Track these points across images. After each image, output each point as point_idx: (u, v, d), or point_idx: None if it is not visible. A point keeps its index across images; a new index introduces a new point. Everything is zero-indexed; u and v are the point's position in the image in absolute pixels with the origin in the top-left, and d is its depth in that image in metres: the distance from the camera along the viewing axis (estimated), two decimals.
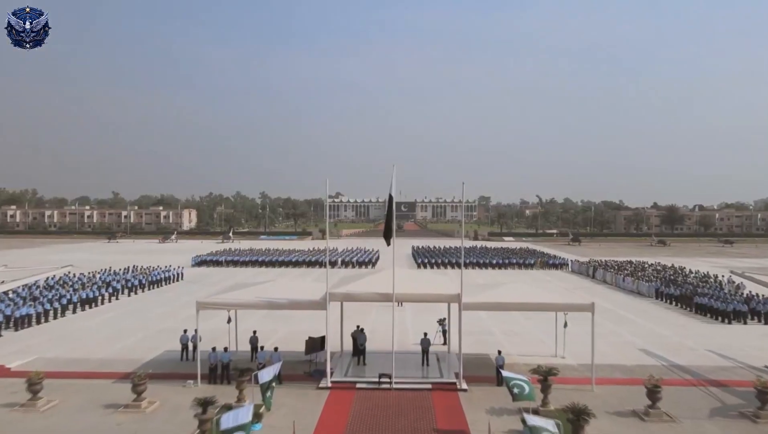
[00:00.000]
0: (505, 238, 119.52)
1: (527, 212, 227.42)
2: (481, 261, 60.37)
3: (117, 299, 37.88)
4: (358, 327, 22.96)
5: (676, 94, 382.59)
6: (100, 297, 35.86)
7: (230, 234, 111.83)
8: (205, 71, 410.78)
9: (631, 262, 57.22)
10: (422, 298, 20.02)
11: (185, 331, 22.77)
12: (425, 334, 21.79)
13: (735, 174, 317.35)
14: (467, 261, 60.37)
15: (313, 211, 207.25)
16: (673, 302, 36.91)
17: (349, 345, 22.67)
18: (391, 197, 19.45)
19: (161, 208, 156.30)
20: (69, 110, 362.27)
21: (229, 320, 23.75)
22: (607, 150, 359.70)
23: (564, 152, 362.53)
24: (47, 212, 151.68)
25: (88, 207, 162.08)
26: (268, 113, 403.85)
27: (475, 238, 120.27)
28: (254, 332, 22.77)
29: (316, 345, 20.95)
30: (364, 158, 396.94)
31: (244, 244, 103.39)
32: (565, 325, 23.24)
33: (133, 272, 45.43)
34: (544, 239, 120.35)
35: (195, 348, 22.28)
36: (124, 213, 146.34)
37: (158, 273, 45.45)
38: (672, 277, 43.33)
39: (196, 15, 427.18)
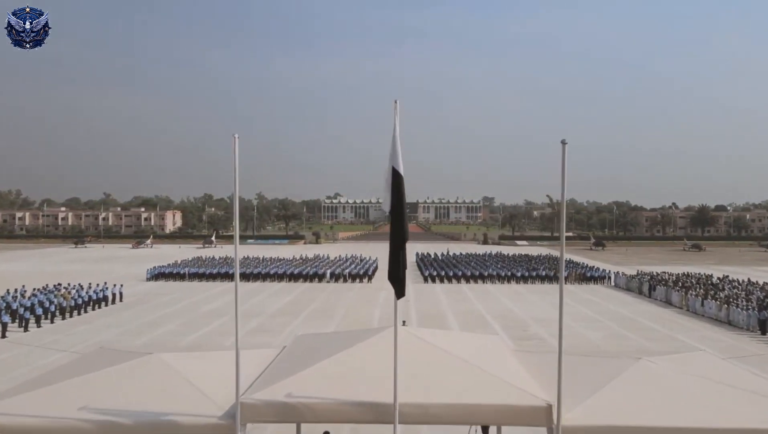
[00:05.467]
0: (518, 242, 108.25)
1: (534, 213, 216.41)
2: (503, 273, 49.09)
3: (4, 337, 26.75)
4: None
5: (680, 92, 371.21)
6: None
7: (213, 238, 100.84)
8: (200, 71, 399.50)
9: (688, 275, 45.92)
10: (463, 416, 8.65)
11: None
12: None
13: (739, 174, 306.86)
14: (485, 273, 49.04)
15: (307, 212, 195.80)
16: None
17: None
18: (396, 173, 8.33)
19: (143, 209, 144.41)
20: (60, 109, 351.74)
21: None
22: (612, 148, 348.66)
23: (568, 152, 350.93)
24: (18, 214, 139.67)
25: (63, 208, 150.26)
26: (266, 112, 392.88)
27: (485, 242, 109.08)
28: None
29: None
30: (364, 156, 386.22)
31: (228, 249, 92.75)
32: None
33: (47, 292, 34.10)
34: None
35: None
36: (101, 215, 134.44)
37: (85, 294, 34.26)
38: None
39: (192, 14, 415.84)
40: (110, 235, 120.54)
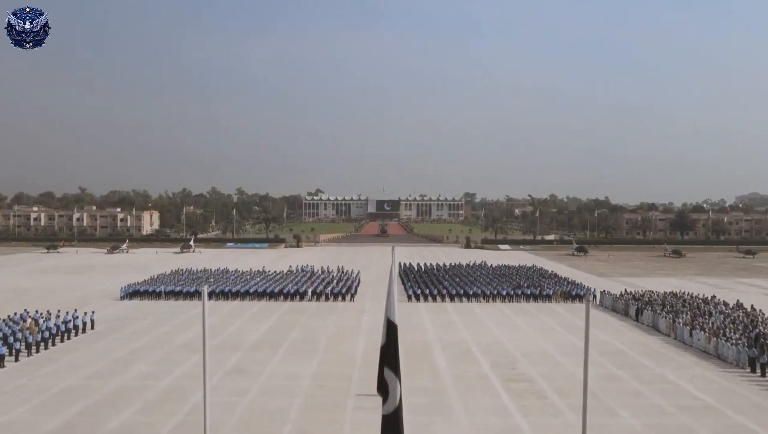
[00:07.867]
0: (501, 246, 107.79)
1: (516, 211, 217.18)
2: (487, 291, 48.22)
3: None
4: None
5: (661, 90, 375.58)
6: None
7: (191, 243, 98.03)
8: (178, 61, 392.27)
9: (675, 295, 45.46)
10: None
11: None
12: None
13: (715, 170, 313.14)
14: (469, 291, 48.07)
15: (288, 209, 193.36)
16: None
17: None
18: (391, 323, 7.40)
19: (119, 209, 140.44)
20: (34, 101, 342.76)
21: None
22: (592, 144, 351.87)
23: (546, 146, 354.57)
24: None
25: (36, 208, 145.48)
26: (247, 105, 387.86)
27: (468, 246, 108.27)
28: None
29: None
30: (345, 152, 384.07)
31: (207, 254, 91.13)
32: None
33: (11, 324, 32.22)
34: (543, 247, 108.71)
35: None
36: (75, 216, 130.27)
37: (53, 325, 32.46)
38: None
39: (168, 4, 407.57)
40: (84, 238, 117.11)
